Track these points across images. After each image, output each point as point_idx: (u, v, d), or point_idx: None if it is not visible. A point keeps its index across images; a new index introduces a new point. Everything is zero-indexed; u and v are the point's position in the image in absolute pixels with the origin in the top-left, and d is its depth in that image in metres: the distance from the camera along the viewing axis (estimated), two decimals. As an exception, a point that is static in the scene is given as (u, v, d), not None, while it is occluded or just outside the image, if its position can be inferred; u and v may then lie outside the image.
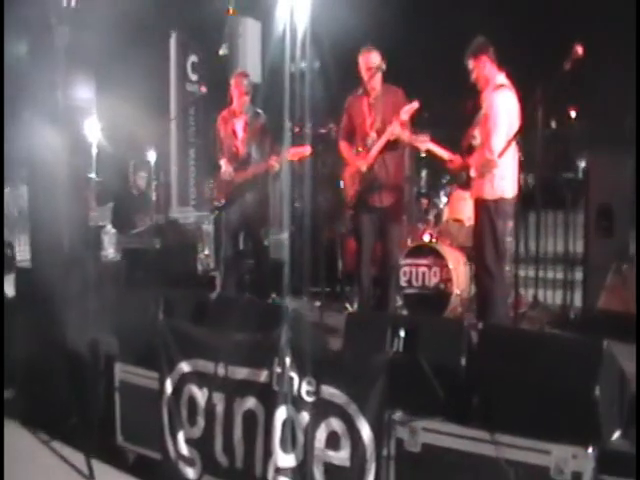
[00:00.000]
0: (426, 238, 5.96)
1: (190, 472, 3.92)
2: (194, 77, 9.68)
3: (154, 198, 16.25)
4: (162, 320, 4.06)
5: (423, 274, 5.62)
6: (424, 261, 5.61)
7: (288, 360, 3.44)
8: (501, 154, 4.14)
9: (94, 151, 8.82)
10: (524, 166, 4.84)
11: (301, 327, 3.58)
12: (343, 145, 5.38)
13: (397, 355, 3.26)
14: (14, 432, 5.09)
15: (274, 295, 6.52)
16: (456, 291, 5.48)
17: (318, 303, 5.77)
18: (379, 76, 5.19)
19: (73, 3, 4.65)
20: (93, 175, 8.84)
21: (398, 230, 5.34)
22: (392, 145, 5.11)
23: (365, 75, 5.16)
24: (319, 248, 6.71)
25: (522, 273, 6.48)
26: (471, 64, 4.59)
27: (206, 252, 8.05)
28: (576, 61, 4.00)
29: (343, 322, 3.73)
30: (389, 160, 5.11)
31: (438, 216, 6.24)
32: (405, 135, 5.02)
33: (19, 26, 4.80)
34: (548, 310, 6.02)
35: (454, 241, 5.85)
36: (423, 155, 6.19)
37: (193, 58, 9.68)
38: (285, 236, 7.31)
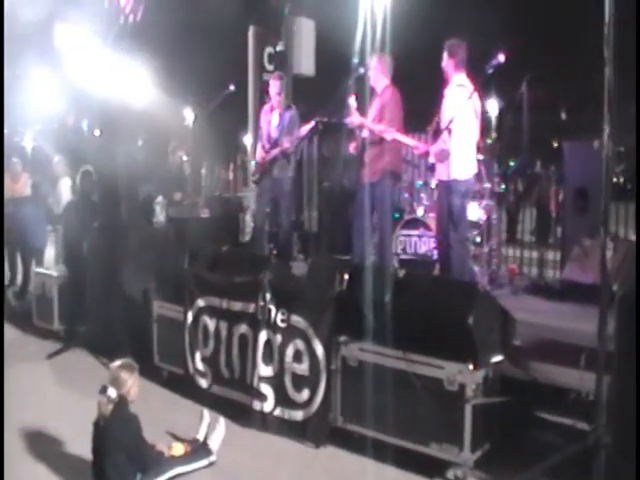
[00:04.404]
0: (419, 212, 6.91)
1: (203, 382, 5.17)
2: (270, 67, 10.43)
3: (231, 177, 17.44)
4: (186, 267, 5.31)
5: (415, 243, 6.62)
6: (416, 232, 6.61)
7: (268, 296, 4.62)
8: (436, 139, 5.00)
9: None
10: (504, 153, 5.62)
11: (280, 272, 4.74)
12: None
13: (342, 293, 4.36)
14: (84, 358, 6.52)
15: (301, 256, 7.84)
16: (441, 258, 6.43)
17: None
18: (384, 78, 6.09)
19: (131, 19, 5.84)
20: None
21: (385, 203, 6.15)
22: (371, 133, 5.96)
23: (376, 76, 6.08)
24: (341, 222, 7.87)
25: (512, 251, 7.49)
26: (443, 59, 5.40)
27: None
28: (497, 67, 4.85)
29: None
30: (371, 145, 5.95)
31: (430, 194, 7.10)
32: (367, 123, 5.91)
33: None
34: (529, 279, 6.96)
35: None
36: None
37: (269, 50, 10.42)
38: (314, 212, 8.47)
